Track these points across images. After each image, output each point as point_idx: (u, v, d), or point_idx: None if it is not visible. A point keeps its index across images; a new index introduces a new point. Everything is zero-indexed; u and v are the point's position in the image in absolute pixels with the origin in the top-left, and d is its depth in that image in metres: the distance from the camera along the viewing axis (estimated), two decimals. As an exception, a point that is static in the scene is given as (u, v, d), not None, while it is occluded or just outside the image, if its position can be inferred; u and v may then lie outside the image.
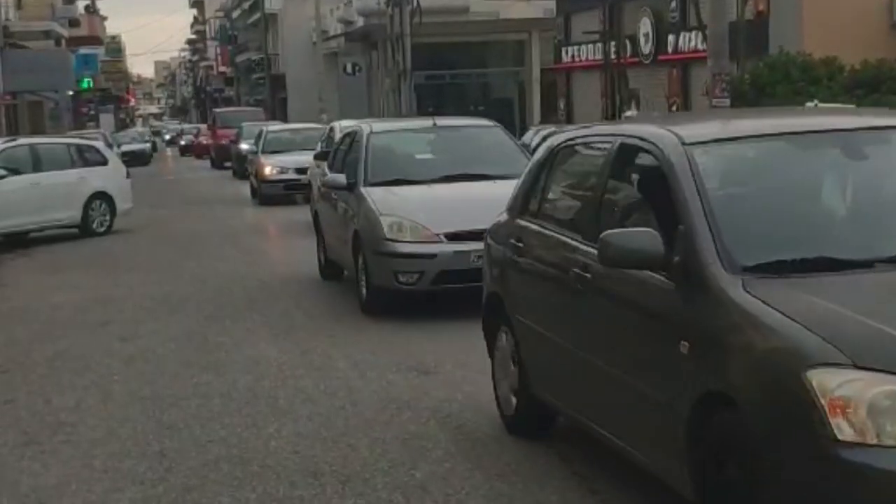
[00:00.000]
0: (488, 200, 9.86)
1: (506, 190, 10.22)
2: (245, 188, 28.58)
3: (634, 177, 5.46)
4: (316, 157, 17.81)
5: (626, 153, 5.52)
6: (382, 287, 10.39)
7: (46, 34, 45.23)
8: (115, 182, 20.36)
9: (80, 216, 19.66)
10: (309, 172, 19.19)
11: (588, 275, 5.35)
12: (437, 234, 10.16)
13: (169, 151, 70.43)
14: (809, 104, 14.42)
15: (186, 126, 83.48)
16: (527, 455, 6.18)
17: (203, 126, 62.78)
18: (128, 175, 21.26)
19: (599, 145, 6.01)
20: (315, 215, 13.64)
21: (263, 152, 25.78)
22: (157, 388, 8.18)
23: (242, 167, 31.74)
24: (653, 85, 30.58)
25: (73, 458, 6.62)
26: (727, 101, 17.51)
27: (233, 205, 25.77)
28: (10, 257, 17.49)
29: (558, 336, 5.82)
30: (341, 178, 11.50)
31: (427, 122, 12.93)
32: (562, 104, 37.81)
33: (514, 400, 6.52)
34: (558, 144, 6.52)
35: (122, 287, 13.51)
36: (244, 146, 32.00)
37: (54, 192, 19.02)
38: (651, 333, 4.82)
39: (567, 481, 5.76)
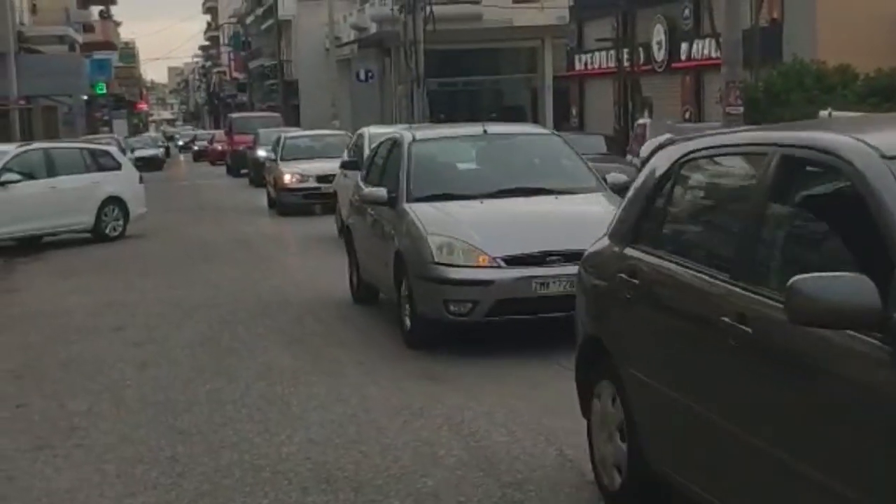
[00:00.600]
0: (551, 219, 9.30)
1: (571, 207, 9.58)
2: (261, 196, 27.65)
3: (811, 199, 4.31)
4: (343, 167, 17.26)
5: (792, 168, 4.31)
6: (430, 317, 9.07)
7: (61, 39, 45.47)
8: (128, 187, 20.41)
9: (93, 221, 19.71)
10: (335, 182, 18.68)
11: (747, 329, 4.10)
12: (494, 258, 8.87)
13: (182, 157, 70.05)
14: (823, 112, 14.38)
15: (200, 132, 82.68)
16: (540, 464, 6.16)
17: (217, 132, 61.55)
18: (141, 180, 21.32)
19: (746, 157, 4.83)
20: (347, 231, 12.37)
21: (282, 159, 24.66)
22: (170, 394, 8.19)
23: (259, 174, 31.05)
24: (666, 92, 30.57)
25: (86, 462, 6.63)
26: (741, 109, 17.52)
27: (249, 214, 24.95)
28: (23, 262, 17.54)
29: (696, 402, 4.53)
30: (381, 193, 10.28)
31: (475, 128, 11.41)
32: (574, 111, 37.82)
33: (618, 477, 5.34)
34: (683, 156, 5.18)
35: (134, 292, 13.53)
36: (261, 153, 31.14)
37: (68, 197, 19.07)
38: (852, 415, 3.60)
39: (580, 490, 5.74)
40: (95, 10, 64.86)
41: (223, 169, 45.44)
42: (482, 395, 7.71)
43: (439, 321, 8.99)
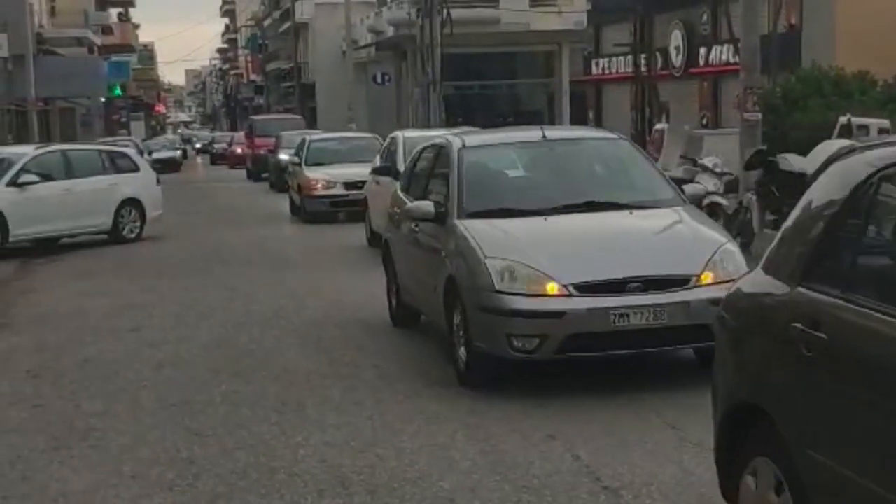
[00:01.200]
0: (629, 238, 8.24)
1: (651, 224, 8.44)
2: (283, 202, 26.41)
3: None
4: (375, 172, 16.58)
5: None
6: (489, 353, 7.87)
7: (79, 41, 45.63)
8: (145, 189, 20.45)
9: (110, 222, 19.75)
10: (365, 189, 17.91)
11: None
12: (565, 285, 7.64)
13: (199, 160, 69.63)
14: (842, 119, 14.32)
15: (218, 134, 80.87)
16: (556, 468, 6.15)
17: (237, 134, 58.93)
18: (158, 182, 21.37)
19: None
20: (385, 246, 10.96)
21: (307, 164, 23.11)
22: (186, 395, 8.20)
23: (281, 179, 29.96)
24: (683, 98, 30.51)
25: (102, 463, 6.64)
26: (759, 115, 17.47)
27: (270, 220, 23.72)
28: (40, 263, 17.61)
29: None
30: (427, 207, 9.06)
31: (532, 132, 10.07)
32: (591, 116, 37.79)
33: None
34: (883, 168, 3.97)
35: (151, 293, 13.56)
36: (283, 156, 29.95)
37: (85, 199, 19.13)
38: None
39: (595, 495, 5.73)
40: (114, 12, 65.12)
41: (243, 173, 44.21)
42: (498, 399, 7.70)
43: (500, 357, 7.85)
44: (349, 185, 21.06)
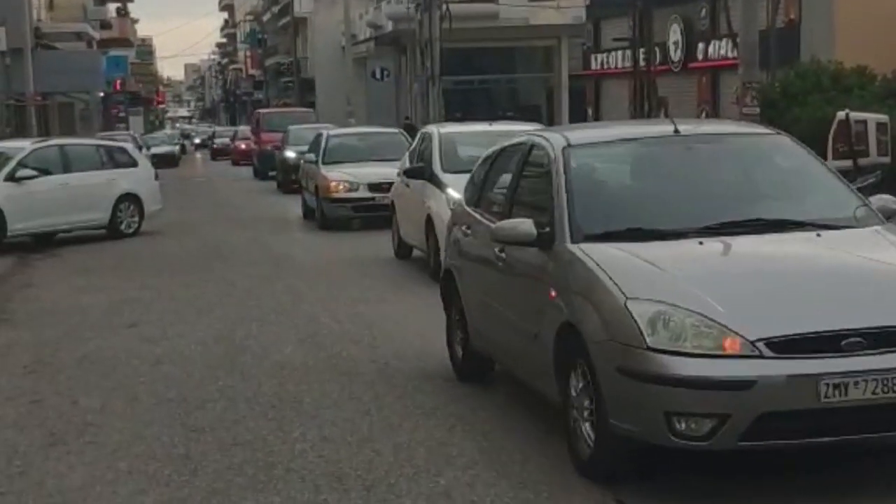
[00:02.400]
0: (832, 272, 5.89)
1: (853, 250, 6.11)
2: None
3: None
4: (406, 174, 14.69)
5: None
6: (638, 438, 5.58)
7: (78, 36, 45.57)
8: (143, 184, 20.44)
9: (108, 217, 19.74)
10: (393, 192, 16.14)
11: None
12: (752, 342, 5.31)
13: (199, 155, 68.55)
14: (841, 114, 14.31)
15: (219, 128, 77.27)
16: (553, 465, 6.14)
17: (241, 129, 54.42)
18: (156, 177, 21.35)
19: None
20: (447, 279, 8.51)
21: (325, 162, 20.41)
22: (183, 391, 8.19)
23: (288, 179, 28.00)
24: (682, 92, 30.50)
25: (99, 459, 6.64)
26: (757, 110, 17.46)
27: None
28: (38, 258, 17.59)
29: None
30: (527, 228, 6.57)
31: (660, 127, 7.53)
32: (590, 111, 37.78)
33: None
34: None
35: (149, 289, 13.55)
36: (290, 153, 28.11)
37: (83, 193, 19.12)
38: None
39: (592, 491, 5.72)
40: (112, 6, 65.04)
41: (247, 170, 41.40)
42: (496, 394, 7.69)
43: (655, 446, 5.53)
44: (374, 188, 18.89)
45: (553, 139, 7.22)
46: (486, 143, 9.47)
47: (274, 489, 5.94)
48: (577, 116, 39.40)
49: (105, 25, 57.49)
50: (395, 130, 23.17)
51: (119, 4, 66.41)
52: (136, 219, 20.21)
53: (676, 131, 7.12)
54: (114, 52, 56.19)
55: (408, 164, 15.35)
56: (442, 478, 6.00)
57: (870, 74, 20.92)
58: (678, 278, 5.76)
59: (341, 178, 19.59)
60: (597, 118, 36.49)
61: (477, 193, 8.33)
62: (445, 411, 7.30)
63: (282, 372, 8.68)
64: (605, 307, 5.73)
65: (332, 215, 19.69)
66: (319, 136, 22.42)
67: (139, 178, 20.43)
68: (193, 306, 12.08)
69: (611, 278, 5.79)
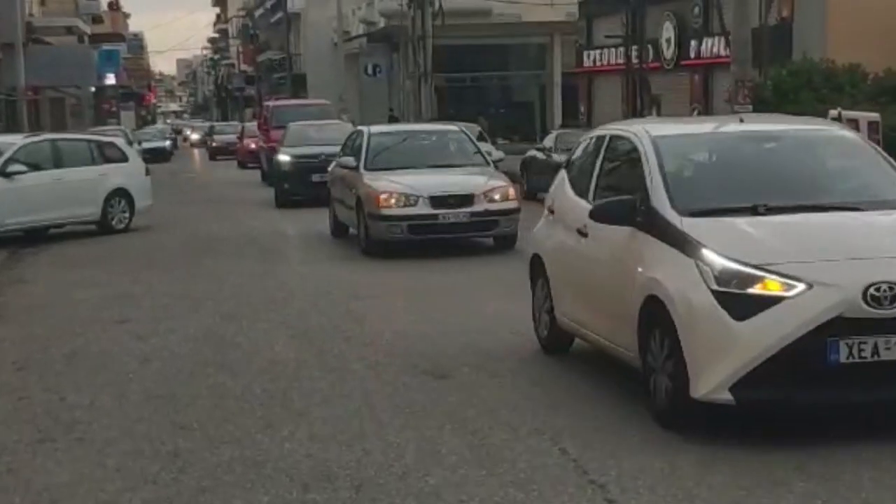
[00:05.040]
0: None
1: None
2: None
3: None
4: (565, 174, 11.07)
5: None
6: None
7: (69, 30, 45.46)
8: (134, 179, 20.38)
9: (99, 213, 19.68)
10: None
11: None
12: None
13: (197, 154, 61.64)
14: (832, 112, 14.31)
15: (219, 124, 66.97)
16: (542, 462, 6.13)
17: (249, 125, 44.97)
18: (147, 172, 21.29)
19: None
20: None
21: (368, 168, 15.89)
22: (173, 388, 8.16)
23: (285, 191, 23.90)
24: (675, 90, 30.47)
25: (87, 456, 6.61)
26: (750, 108, 17.47)
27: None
28: (29, 253, 17.54)
29: None
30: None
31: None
32: (583, 108, 37.76)
33: None
34: None
35: (139, 284, 13.51)
36: (284, 157, 23.96)
37: (74, 189, 19.05)
38: None
39: (582, 489, 5.71)
40: (104, 1, 64.90)
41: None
42: (486, 392, 7.68)
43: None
44: (438, 202, 14.63)
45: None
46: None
47: (262, 488, 5.91)
48: (570, 113, 39.41)
49: (97, 20, 57.41)
50: (456, 127, 18.20)
51: (111, -1, 66.29)
52: (127, 214, 20.15)
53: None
54: (106, 47, 56.07)
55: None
56: (431, 477, 5.98)
57: (861, 73, 20.95)
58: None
59: (393, 188, 14.88)
60: (589, 115, 36.46)
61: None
62: (435, 409, 7.28)
63: (272, 369, 8.66)
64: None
65: (380, 237, 14.94)
66: (358, 134, 17.70)
67: (130, 174, 20.36)
68: (184, 302, 12.05)
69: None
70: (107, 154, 20.34)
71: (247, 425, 7.09)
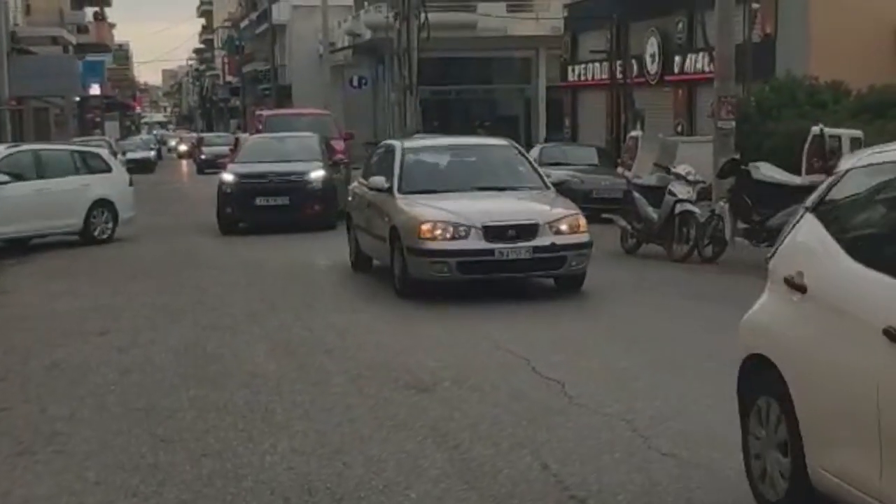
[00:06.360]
0: None
1: None
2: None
3: None
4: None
5: None
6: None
7: (54, 40, 45.35)
8: (117, 190, 20.33)
9: (82, 223, 19.63)
10: None
11: None
12: None
13: (184, 165, 59.59)
14: (815, 129, 14.39)
15: (208, 135, 63.24)
16: (523, 477, 6.13)
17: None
18: (131, 183, 21.24)
19: None
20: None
21: (403, 191, 13.18)
22: (153, 400, 8.14)
23: (229, 219, 20.90)
24: (658, 105, 30.59)
25: (66, 468, 6.58)
26: (732, 123, 17.56)
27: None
28: (11, 263, 17.46)
29: None
30: None
31: None
32: (567, 122, 37.88)
33: None
34: None
35: (121, 296, 13.47)
36: (228, 176, 21.06)
37: (57, 199, 18.99)
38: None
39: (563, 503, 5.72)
40: (90, 11, 64.76)
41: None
42: (467, 406, 7.68)
43: None
44: (495, 234, 11.93)
45: None
46: None
47: (243, 501, 5.90)
48: (555, 128, 39.51)
49: (82, 30, 57.24)
50: (506, 141, 15.03)
51: (96, 9, 66.18)
52: (110, 225, 20.09)
53: None
54: (91, 57, 55.98)
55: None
56: (412, 491, 5.98)
57: (844, 89, 21.07)
58: None
59: (438, 216, 12.22)
60: (574, 130, 36.57)
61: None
62: (416, 423, 7.28)
63: (253, 381, 8.64)
64: None
65: (421, 276, 12.21)
66: (387, 149, 14.71)
67: (113, 184, 20.32)
68: (165, 313, 12.01)
69: None
70: (90, 164, 20.30)
71: (227, 438, 7.07)
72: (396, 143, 14.75)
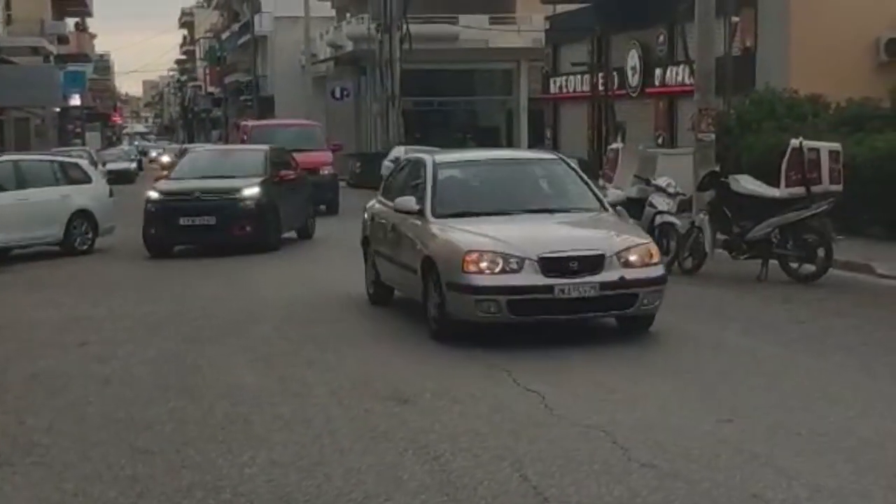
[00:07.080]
0: None
1: None
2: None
3: None
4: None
5: None
6: None
7: (35, 50, 45.30)
8: (98, 201, 20.28)
9: (62, 234, 19.56)
10: None
11: None
12: None
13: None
14: (794, 142, 14.47)
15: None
16: (504, 489, 6.13)
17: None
18: (111, 194, 21.18)
19: None
20: None
21: (439, 215, 11.10)
22: (132, 412, 8.11)
23: (149, 233, 19.11)
24: (639, 117, 30.74)
25: (45, 480, 6.55)
26: (713, 136, 17.65)
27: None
28: (-10, 274, 17.39)
29: None
30: None
31: None
32: (549, 134, 37.99)
33: None
34: None
35: (101, 307, 13.43)
36: (153, 194, 19.50)
37: (37, 210, 18.93)
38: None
39: (542, 516, 5.72)
40: (71, 21, 64.67)
41: None
42: (447, 417, 7.68)
43: None
44: (551, 267, 9.98)
45: None
46: None
47: (221, 513, 5.89)
48: (536, 139, 39.63)
49: (63, 40, 57.15)
50: (553, 156, 13.21)
51: (77, 19, 66.10)
52: (90, 236, 20.03)
53: None
54: (71, 67, 55.88)
55: None
56: (392, 502, 5.97)
57: (823, 103, 21.21)
58: None
59: (485, 245, 10.19)
60: (555, 142, 36.69)
61: None
62: (396, 435, 7.27)
63: (232, 393, 8.62)
64: None
65: (464, 316, 10.20)
66: (416, 164, 12.35)
67: (93, 195, 20.27)
68: (145, 325, 11.98)
69: None
70: (70, 175, 20.25)
71: (207, 450, 7.05)
72: (427, 157, 12.28)
